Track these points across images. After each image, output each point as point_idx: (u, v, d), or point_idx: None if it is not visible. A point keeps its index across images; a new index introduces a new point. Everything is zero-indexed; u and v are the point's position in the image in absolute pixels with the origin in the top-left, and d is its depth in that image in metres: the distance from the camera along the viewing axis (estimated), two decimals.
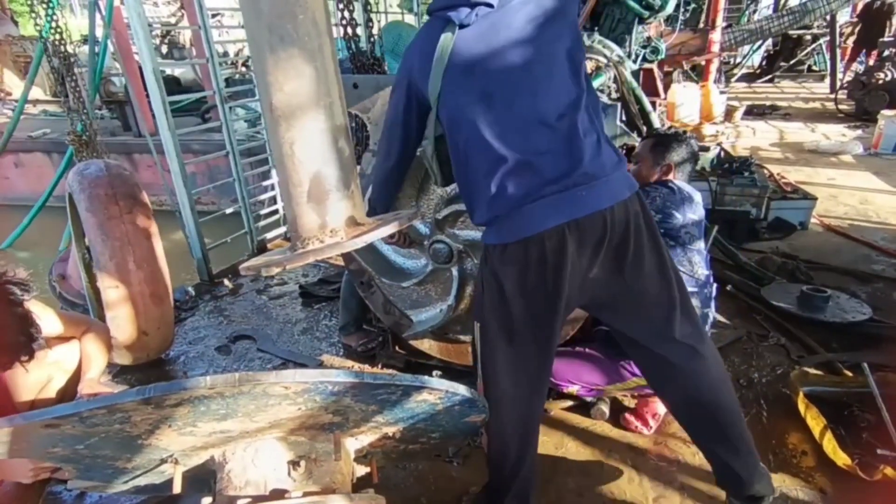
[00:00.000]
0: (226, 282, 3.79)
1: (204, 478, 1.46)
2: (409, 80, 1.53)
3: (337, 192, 1.20)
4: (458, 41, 1.40)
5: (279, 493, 1.29)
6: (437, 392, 1.28)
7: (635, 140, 2.84)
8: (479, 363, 1.64)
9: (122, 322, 2.57)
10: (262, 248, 4.33)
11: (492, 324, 1.55)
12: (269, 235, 4.46)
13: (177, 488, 1.32)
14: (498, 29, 1.40)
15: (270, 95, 1.12)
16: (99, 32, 4.40)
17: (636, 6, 3.21)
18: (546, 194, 1.37)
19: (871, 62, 9.02)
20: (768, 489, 1.65)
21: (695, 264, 2.09)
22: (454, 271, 2.11)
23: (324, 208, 1.19)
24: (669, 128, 2.67)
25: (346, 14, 2.09)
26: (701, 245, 2.14)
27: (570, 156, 1.39)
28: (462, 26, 1.40)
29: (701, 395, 1.57)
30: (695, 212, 2.11)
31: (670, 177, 2.13)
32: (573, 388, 2.24)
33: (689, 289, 2.04)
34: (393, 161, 1.72)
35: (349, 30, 2.09)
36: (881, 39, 8.96)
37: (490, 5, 1.39)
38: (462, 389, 1.35)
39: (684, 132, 2.38)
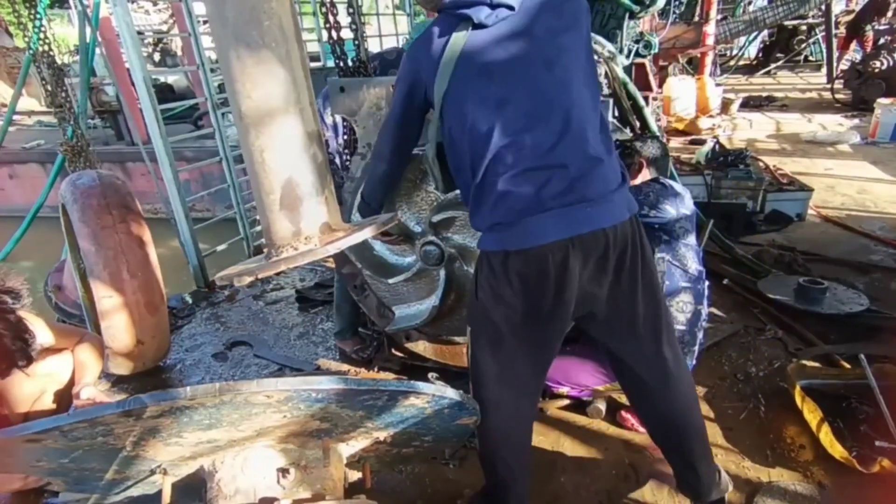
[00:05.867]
0: (220, 288, 3.78)
1: (196, 487, 1.46)
2: (414, 77, 1.49)
3: (310, 199, 1.18)
4: (472, 40, 1.36)
5: (268, 501, 1.28)
6: (425, 396, 1.27)
7: (627, 135, 2.83)
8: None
9: (117, 331, 2.56)
10: (258, 253, 4.33)
11: (484, 329, 1.55)
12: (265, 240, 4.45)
13: (166, 498, 1.31)
14: (516, 34, 1.36)
15: (239, 103, 1.11)
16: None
17: (626, 1, 3.18)
18: (551, 207, 1.34)
19: (868, 49, 8.99)
20: (725, 489, 1.75)
21: (688, 259, 2.09)
22: (441, 273, 2.10)
23: (297, 215, 1.17)
24: (633, 135, 2.72)
25: (331, 18, 2.08)
26: (693, 240, 2.14)
27: (579, 170, 1.35)
28: (478, 26, 1.37)
29: (674, 415, 1.63)
30: (686, 206, 2.11)
31: (644, 173, 2.15)
32: (563, 389, 2.24)
33: (682, 284, 2.06)
34: (388, 159, 1.69)
35: (334, 33, 2.07)
36: (876, 27, 8.93)
37: (511, 7, 1.36)
38: (450, 392, 1.34)
39: (646, 133, 2.42)
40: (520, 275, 1.39)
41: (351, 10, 2.10)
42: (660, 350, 1.55)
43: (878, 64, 7.79)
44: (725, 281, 3.21)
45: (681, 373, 1.61)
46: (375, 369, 2.69)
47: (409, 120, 1.58)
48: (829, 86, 9.05)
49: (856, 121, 7.27)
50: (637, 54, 4.10)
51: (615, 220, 1.38)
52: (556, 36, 1.38)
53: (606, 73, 3.34)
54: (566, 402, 2.34)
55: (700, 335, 2.11)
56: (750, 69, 12.06)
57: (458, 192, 1.88)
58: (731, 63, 12.38)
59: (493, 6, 1.35)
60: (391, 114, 1.61)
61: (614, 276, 1.43)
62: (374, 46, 5.47)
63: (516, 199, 1.36)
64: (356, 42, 2.13)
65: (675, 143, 6.35)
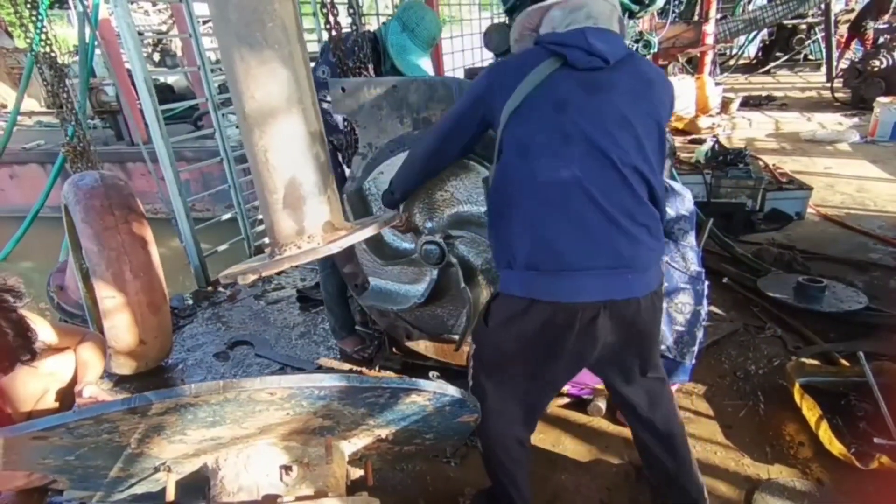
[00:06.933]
0: (221, 288, 3.79)
1: (199, 485, 1.47)
2: (484, 93, 1.47)
3: (313, 198, 1.19)
4: (559, 73, 1.37)
5: (271, 499, 1.30)
6: (426, 393, 1.28)
7: None
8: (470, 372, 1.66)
9: (119, 331, 2.58)
10: (259, 253, 4.34)
11: (490, 353, 1.57)
12: (266, 240, 4.45)
13: (169, 496, 1.32)
14: (602, 85, 1.37)
15: (243, 104, 1.12)
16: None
17: (626, 1, 3.19)
18: (596, 266, 1.34)
19: (868, 47, 9.00)
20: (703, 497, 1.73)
21: (688, 260, 2.10)
22: (434, 273, 2.10)
23: (300, 214, 1.19)
24: None
25: (331, 18, 2.09)
26: (693, 240, 2.14)
27: (632, 236, 1.36)
28: (568, 65, 1.37)
29: (666, 423, 1.64)
30: (685, 206, 2.12)
31: None
32: (564, 388, 2.24)
33: (681, 285, 2.06)
34: (424, 156, 1.68)
35: (334, 33, 2.08)
36: (874, 26, 8.95)
37: (606, 61, 1.36)
38: (451, 390, 1.35)
39: None
40: (543, 323, 1.39)
41: (351, 11, 2.11)
42: (646, 375, 1.59)
43: (877, 63, 7.81)
44: (725, 279, 3.22)
45: (664, 384, 1.65)
46: (376, 368, 2.70)
47: (460, 128, 1.56)
48: (828, 85, 9.05)
49: (855, 119, 7.28)
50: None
51: (648, 290, 1.40)
52: (637, 102, 1.39)
53: None
54: (567, 400, 2.36)
55: (700, 335, 2.11)
56: (749, 68, 12.06)
57: (484, 209, 1.87)
58: (731, 62, 12.39)
59: (590, 53, 1.36)
60: (445, 116, 1.60)
61: (635, 339, 1.47)
62: None
63: (563, 249, 1.34)
64: (356, 42, 2.14)
65: (674, 142, 6.36)
